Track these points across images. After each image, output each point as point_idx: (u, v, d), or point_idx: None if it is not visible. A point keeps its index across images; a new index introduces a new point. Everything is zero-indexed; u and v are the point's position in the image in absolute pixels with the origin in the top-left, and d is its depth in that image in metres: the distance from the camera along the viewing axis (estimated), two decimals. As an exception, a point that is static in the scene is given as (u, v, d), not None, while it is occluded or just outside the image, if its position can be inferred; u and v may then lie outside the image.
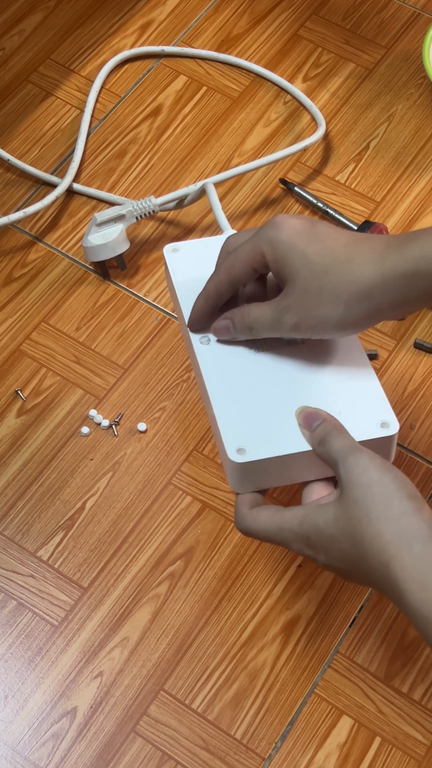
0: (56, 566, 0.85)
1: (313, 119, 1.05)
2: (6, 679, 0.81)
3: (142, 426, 0.90)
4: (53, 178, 1.01)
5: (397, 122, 1.06)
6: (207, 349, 0.78)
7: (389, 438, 0.74)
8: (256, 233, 0.74)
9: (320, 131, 1.03)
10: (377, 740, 0.79)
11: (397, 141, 1.05)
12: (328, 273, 0.71)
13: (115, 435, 0.90)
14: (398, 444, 0.90)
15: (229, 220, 1.00)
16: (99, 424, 0.90)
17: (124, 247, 0.95)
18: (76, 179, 1.02)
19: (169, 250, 0.84)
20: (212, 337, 0.79)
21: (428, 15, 1.13)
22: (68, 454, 0.89)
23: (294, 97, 1.07)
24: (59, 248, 0.99)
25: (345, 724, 0.80)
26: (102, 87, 1.08)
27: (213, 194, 0.97)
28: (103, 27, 1.12)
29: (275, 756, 0.79)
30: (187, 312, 0.80)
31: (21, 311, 0.96)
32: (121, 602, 0.83)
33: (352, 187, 1.03)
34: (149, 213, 0.96)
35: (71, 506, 0.87)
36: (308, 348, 0.78)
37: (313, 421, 0.72)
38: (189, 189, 0.98)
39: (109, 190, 1.02)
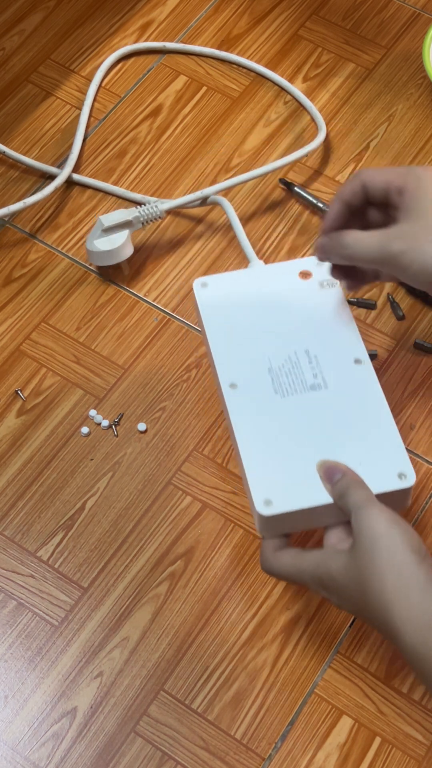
0: (56, 566, 0.85)
1: (313, 120, 1.05)
2: (6, 679, 0.81)
3: (142, 426, 0.90)
4: (52, 169, 1.01)
5: (397, 122, 1.06)
6: (235, 394, 0.81)
7: (406, 490, 0.78)
8: (402, 167, 0.78)
9: (321, 136, 1.03)
10: (377, 740, 0.79)
11: (397, 141, 1.05)
12: None
13: (115, 435, 0.90)
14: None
15: (225, 221, 1.00)
16: (99, 424, 0.90)
17: (128, 252, 0.95)
18: (76, 174, 1.02)
19: (198, 285, 0.86)
20: (240, 383, 0.82)
21: (428, 15, 1.13)
22: (68, 454, 0.89)
23: (294, 97, 1.07)
24: (59, 248, 0.99)
25: (345, 724, 0.80)
26: (105, 77, 1.08)
27: (234, 218, 0.97)
28: (103, 27, 1.12)
29: (275, 756, 0.79)
30: (216, 351, 0.83)
31: (21, 311, 0.96)
32: (121, 602, 0.83)
33: (352, 187, 1.03)
34: (155, 219, 0.96)
35: (71, 506, 0.87)
36: (331, 394, 0.81)
37: (333, 474, 0.76)
38: (194, 196, 0.98)
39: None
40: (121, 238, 0.94)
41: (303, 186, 1.02)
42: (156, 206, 0.95)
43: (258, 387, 0.82)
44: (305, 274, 0.87)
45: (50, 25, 1.12)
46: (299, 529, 0.79)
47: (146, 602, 0.83)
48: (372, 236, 0.77)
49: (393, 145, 1.05)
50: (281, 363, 0.83)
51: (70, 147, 1.04)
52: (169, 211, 0.98)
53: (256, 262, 0.93)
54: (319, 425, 0.80)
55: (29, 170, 1.03)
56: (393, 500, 0.77)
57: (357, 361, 0.82)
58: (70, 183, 1.02)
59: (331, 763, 0.78)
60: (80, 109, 1.06)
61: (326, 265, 0.86)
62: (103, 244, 0.94)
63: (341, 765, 0.78)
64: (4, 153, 1.02)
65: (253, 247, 0.99)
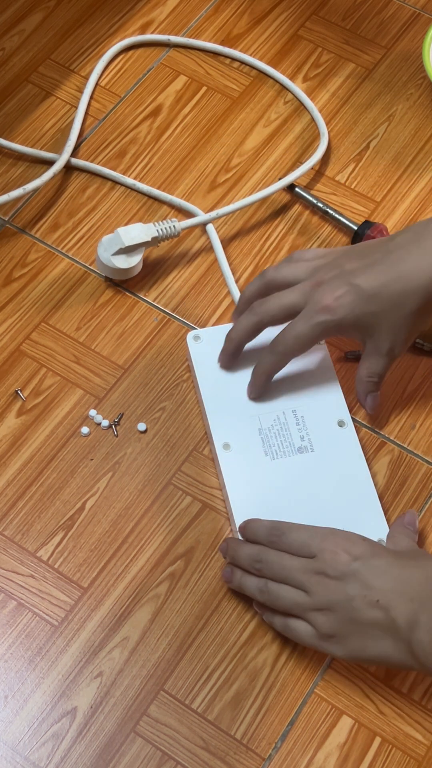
0: (56, 566, 0.85)
1: (314, 121, 1.05)
2: (6, 679, 0.81)
3: (142, 426, 0.90)
4: (52, 155, 1.02)
5: (397, 122, 1.06)
6: (228, 456, 0.86)
7: None
8: (312, 317, 0.84)
9: (323, 142, 1.03)
10: (377, 740, 0.79)
11: (397, 141, 1.05)
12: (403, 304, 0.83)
13: (115, 435, 0.90)
14: (398, 444, 0.90)
15: (226, 220, 1.00)
16: (99, 424, 0.90)
17: (139, 269, 0.95)
18: (75, 158, 1.02)
19: (191, 338, 0.91)
20: (233, 444, 0.86)
21: (428, 15, 1.13)
22: (68, 454, 0.89)
23: (294, 96, 1.07)
24: (59, 248, 0.99)
25: (345, 724, 0.80)
26: (108, 65, 1.08)
27: (224, 264, 0.98)
28: (103, 27, 1.12)
29: (275, 756, 0.79)
30: (209, 408, 0.88)
31: (21, 311, 0.96)
32: (121, 602, 0.83)
33: (352, 187, 1.03)
34: (171, 238, 0.96)
35: (71, 506, 0.87)
36: (317, 457, 0.86)
37: None
38: (209, 216, 0.98)
39: (110, 191, 1.02)
40: (138, 256, 0.94)
41: (303, 186, 1.02)
42: (173, 226, 0.95)
43: (250, 449, 0.86)
44: None
45: (50, 25, 1.12)
46: None
47: (146, 602, 0.83)
48: (374, 362, 0.87)
49: (393, 145, 1.05)
50: (270, 423, 0.87)
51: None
52: (184, 229, 0.98)
53: None
54: (306, 488, 0.85)
55: (30, 168, 1.03)
56: None
57: (341, 424, 0.87)
58: (69, 170, 1.02)
59: (331, 763, 0.78)
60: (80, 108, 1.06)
61: None
62: (120, 261, 0.93)
63: (341, 765, 0.78)
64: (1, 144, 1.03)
65: (253, 247, 0.99)
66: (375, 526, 0.83)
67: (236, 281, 0.97)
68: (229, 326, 0.89)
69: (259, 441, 0.86)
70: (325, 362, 0.90)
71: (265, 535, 0.80)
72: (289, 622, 0.79)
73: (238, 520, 0.83)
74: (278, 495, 0.84)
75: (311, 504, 0.84)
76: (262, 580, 0.80)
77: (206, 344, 0.90)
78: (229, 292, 0.96)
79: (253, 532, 0.81)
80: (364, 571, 0.76)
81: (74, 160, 1.02)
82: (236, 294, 0.95)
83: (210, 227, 0.99)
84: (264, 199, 1.01)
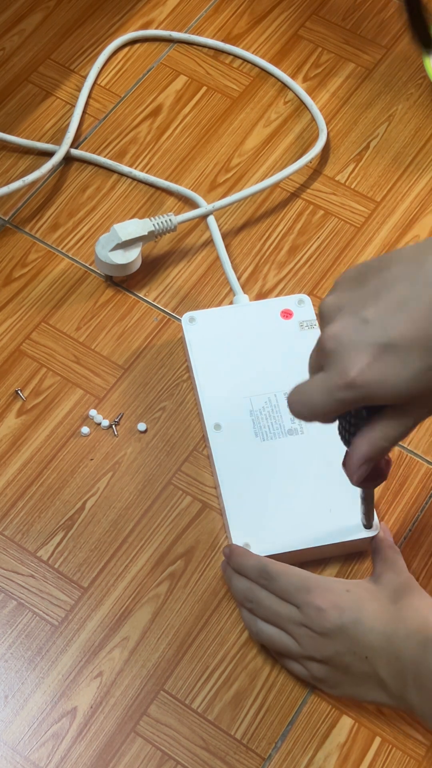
0: (56, 566, 0.85)
1: (314, 119, 1.05)
2: (6, 679, 0.81)
3: (142, 426, 0.90)
4: (51, 146, 1.02)
5: (397, 122, 1.06)
6: (219, 436, 0.86)
7: (372, 537, 0.83)
8: None
9: (322, 139, 1.03)
10: (377, 740, 0.79)
11: (397, 141, 1.05)
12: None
13: (115, 435, 0.90)
14: (398, 444, 0.90)
15: (226, 220, 1.00)
16: (99, 424, 0.90)
17: (138, 265, 0.95)
18: (74, 149, 1.02)
19: (186, 319, 0.91)
20: (224, 424, 0.87)
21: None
22: (68, 454, 0.89)
23: (296, 94, 1.07)
24: (59, 248, 0.99)
25: (345, 724, 0.80)
26: (109, 60, 1.08)
27: (223, 253, 0.97)
28: (103, 27, 1.12)
29: (275, 756, 0.79)
30: (201, 389, 0.88)
31: (21, 311, 0.96)
32: (121, 602, 0.83)
33: (352, 187, 1.03)
34: (168, 232, 0.96)
35: (71, 506, 0.87)
36: (307, 439, 0.86)
37: None
38: (201, 211, 0.98)
39: (110, 190, 1.02)
40: (136, 252, 0.94)
41: (303, 186, 1.02)
42: (170, 220, 0.95)
43: (240, 429, 0.86)
44: (287, 314, 0.91)
45: (50, 25, 1.12)
46: None
47: (146, 602, 0.83)
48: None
49: (393, 145, 1.05)
50: (262, 405, 0.87)
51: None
52: (181, 224, 0.98)
53: (240, 297, 0.95)
54: (295, 471, 0.85)
55: (31, 166, 1.03)
56: (355, 546, 0.84)
57: None
58: (68, 163, 1.02)
59: (331, 763, 0.78)
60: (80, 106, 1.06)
61: (307, 306, 0.91)
62: (118, 257, 0.94)
63: (341, 765, 0.78)
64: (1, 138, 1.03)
65: (253, 247, 0.99)
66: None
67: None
68: (225, 308, 0.91)
69: (249, 422, 0.87)
70: None
71: (254, 576, 0.80)
72: (284, 662, 0.80)
73: (227, 500, 0.84)
74: (267, 476, 0.85)
75: (300, 485, 0.84)
76: (254, 619, 0.79)
77: (201, 326, 0.91)
78: (231, 290, 0.96)
79: (242, 567, 0.80)
80: (351, 628, 0.75)
81: (74, 151, 1.03)
82: (236, 287, 0.95)
83: (211, 219, 0.98)
84: (264, 199, 1.01)
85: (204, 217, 0.99)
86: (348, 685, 0.76)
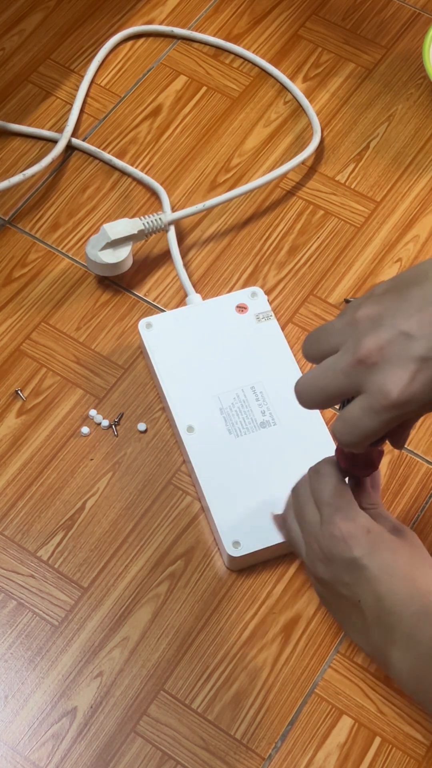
0: (56, 566, 0.85)
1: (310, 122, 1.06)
2: (6, 679, 0.81)
3: (142, 426, 0.90)
4: (53, 134, 1.03)
5: (397, 122, 1.06)
6: (193, 438, 0.86)
7: None
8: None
9: (315, 140, 1.03)
10: (377, 740, 0.79)
11: (397, 141, 1.05)
12: None
13: (115, 435, 0.90)
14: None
15: (226, 220, 1.00)
16: (99, 424, 0.90)
17: (129, 264, 0.95)
18: (75, 138, 1.02)
19: (143, 326, 0.91)
20: (196, 426, 0.87)
21: (428, 15, 1.13)
22: (68, 454, 0.89)
23: (294, 96, 1.07)
24: (59, 248, 0.99)
25: (345, 724, 0.80)
26: (109, 54, 1.08)
27: (175, 250, 0.97)
28: (103, 27, 1.12)
29: (275, 756, 0.79)
30: (169, 393, 0.88)
31: (21, 311, 0.96)
32: (121, 602, 0.83)
33: (352, 187, 1.03)
34: (158, 231, 0.96)
35: (71, 506, 0.87)
36: (281, 429, 0.86)
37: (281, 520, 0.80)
38: (195, 208, 0.98)
39: (110, 190, 1.02)
40: (126, 251, 0.94)
41: (302, 185, 1.02)
42: (159, 219, 0.95)
43: (213, 429, 0.87)
44: (241, 308, 0.92)
45: (50, 25, 1.12)
46: (268, 558, 0.84)
47: (146, 602, 0.83)
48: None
49: (393, 145, 1.05)
50: (231, 402, 0.88)
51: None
52: (171, 222, 0.98)
53: (193, 296, 0.95)
54: (273, 462, 0.85)
55: (33, 161, 1.03)
56: None
57: None
58: (68, 156, 1.02)
59: (331, 763, 0.78)
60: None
61: (260, 298, 0.92)
62: (107, 256, 0.94)
63: (341, 765, 0.78)
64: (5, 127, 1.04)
65: (253, 247, 0.99)
66: None
67: (236, 282, 0.97)
68: (180, 310, 0.91)
69: (221, 420, 0.87)
70: (276, 335, 0.91)
71: (311, 468, 0.76)
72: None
73: (211, 501, 0.84)
74: (247, 471, 0.85)
75: (280, 476, 0.84)
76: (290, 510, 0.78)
77: (159, 331, 0.91)
78: (231, 287, 0.96)
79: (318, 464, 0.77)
80: (355, 567, 0.72)
81: (74, 140, 1.03)
82: (188, 287, 0.95)
83: (171, 234, 0.97)
84: (264, 199, 1.01)
85: (202, 213, 0.99)
86: (335, 611, 0.76)
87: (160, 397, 0.91)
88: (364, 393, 0.64)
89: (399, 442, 0.72)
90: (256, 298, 0.92)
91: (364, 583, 0.72)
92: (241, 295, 0.92)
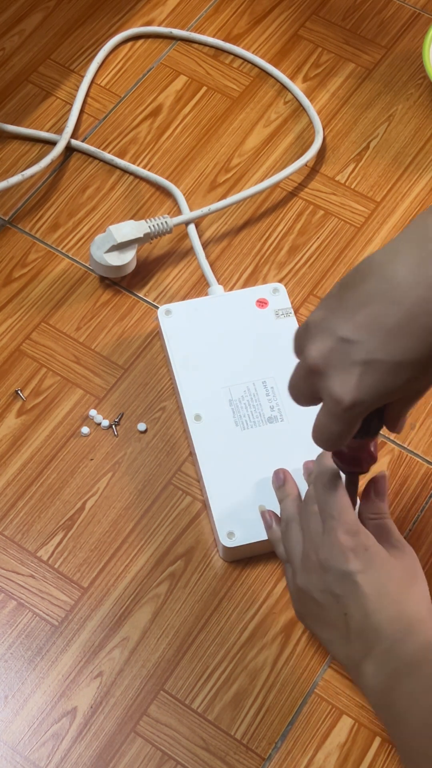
0: (56, 566, 0.85)
1: (311, 122, 1.06)
2: (6, 679, 0.81)
3: (142, 426, 0.90)
4: (53, 136, 1.03)
5: (397, 122, 1.06)
6: (199, 426, 0.87)
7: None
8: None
9: (318, 141, 1.03)
10: (377, 740, 0.79)
11: (397, 141, 1.05)
12: None
13: (115, 435, 0.90)
14: (398, 444, 0.90)
15: (226, 220, 1.00)
16: (99, 424, 0.90)
17: (133, 266, 0.95)
18: (74, 140, 1.02)
19: (162, 312, 0.92)
20: (204, 415, 0.87)
21: (428, 15, 1.13)
22: (68, 454, 0.89)
23: (294, 96, 1.07)
24: (59, 248, 0.99)
25: (345, 724, 0.80)
26: (109, 55, 1.08)
27: (197, 244, 0.97)
28: (103, 27, 1.12)
29: (275, 756, 0.79)
30: (180, 380, 0.88)
31: (21, 311, 0.96)
32: (121, 602, 0.83)
33: (352, 187, 1.03)
34: (163, 234, 0.96)
35: (71, 506, 0.87)
36: (287, 426, 0.87)
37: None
38: (200, 212, 0.98)
39: (110, 190, 1.02)
40: (131, 254, 0.94)
41: (302, 185, 1.02)
42: (165, 222, 0.95)
43: (220, 419, 0.87)
44: (262, 303, 0.92)
45: (50, 25, 1.12)
46: (263, 552, 0.84)
47: (146, 602, 0.83)
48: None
49: (393, 145, 1.05)
50: (241, 395, 0.88)
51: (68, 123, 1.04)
52: (177, 224, 0.98)
53: (216, 288, 0.95)
54: (277, 458, 0.85)
55: (32, 162, 1.03)
56: None
57: None
58: (68, 157, 1.02)
59: (331, 763, 0.78)
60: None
61: (282, 294, 0.92)
62: (113, 258, 0.94)
63: (341, 765, 0.78)
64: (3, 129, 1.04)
65: (253, 247, 0.99)
66: None
67: (236, 282, 0.97)
68: (201, 300, 0.92)
69: (229, 412, 0.87)
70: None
71: (316, 474, 0.78)
72: (285, 566, 0.80)
73: (211, 490, 0.84)
74: (249, 464, 0.85)
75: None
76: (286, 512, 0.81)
77: (177, 318, 0.91)
78: (230, 288, 0.96)
79: (319, 462, 0.79)
80: (347, 580, 0.74)
81: (74, 142, 1.03)
82: (210, 278, 0.96)
83: (191, 229, 0.98)
84: (264, 199, 1.01)
85: (196, 219, 0.99)
86: (314, 618, 0.76)
87: (172, 385, 0.91)
88: (323, 398, 0.67)
89: (396, 426, 0.73)
90: (277, 294, 0.92)
91: (354, 598, 0.74)
92: (262, 290, 0.93)
